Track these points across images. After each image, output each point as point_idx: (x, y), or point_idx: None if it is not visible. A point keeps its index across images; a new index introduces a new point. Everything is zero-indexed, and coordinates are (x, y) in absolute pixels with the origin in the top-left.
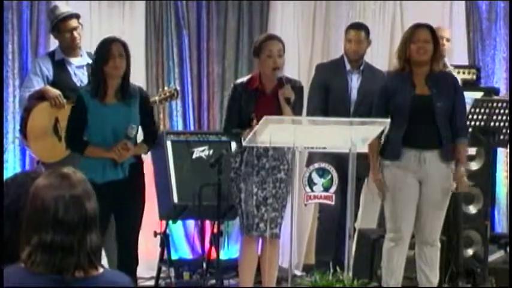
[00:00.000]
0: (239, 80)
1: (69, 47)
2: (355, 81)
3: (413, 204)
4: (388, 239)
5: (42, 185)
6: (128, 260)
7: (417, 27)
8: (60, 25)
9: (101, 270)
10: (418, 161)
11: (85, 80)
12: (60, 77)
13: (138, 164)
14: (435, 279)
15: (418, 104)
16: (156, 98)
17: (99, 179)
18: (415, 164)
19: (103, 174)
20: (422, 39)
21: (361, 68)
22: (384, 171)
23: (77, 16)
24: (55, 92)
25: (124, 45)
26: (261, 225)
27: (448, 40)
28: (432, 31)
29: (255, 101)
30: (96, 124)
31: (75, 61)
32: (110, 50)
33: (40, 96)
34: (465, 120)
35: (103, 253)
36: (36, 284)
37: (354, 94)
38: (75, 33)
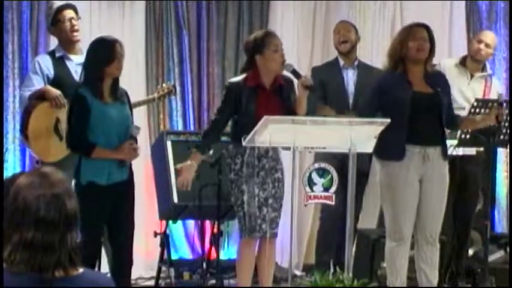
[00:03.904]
0: (234, 80)
1: (69, 41)
2: (351, 75)
3: (414, 203)
4: (389, 239)
5: (23, 184)
6: (125, 261)
7: (416, 26)
8: (59, 15)
9: (80, 270)
10: (422, 158)
11: None
12: (61, 74)
13: (130, 163)
14: (435, 279)
15: (422, 101)
16: (155, 95)
17: (104, 181)
18: (419, 161)
19: (108, 175)
20: (422, 38)
21: (356, 63)
22: (383, 170)
23: (73, 7)
24: (55, 92)
25: (121, 46)
26: (263, 226)
27: (487, 45)
28: (429, 31)
29: (256, 98)
30: (101, 124)
31: (75, 58)
32: (114, 51)
33: (40, 96)
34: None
35: (103, 253)
36: (15, 284)
37: (351, 86)
38: (74, 22)
